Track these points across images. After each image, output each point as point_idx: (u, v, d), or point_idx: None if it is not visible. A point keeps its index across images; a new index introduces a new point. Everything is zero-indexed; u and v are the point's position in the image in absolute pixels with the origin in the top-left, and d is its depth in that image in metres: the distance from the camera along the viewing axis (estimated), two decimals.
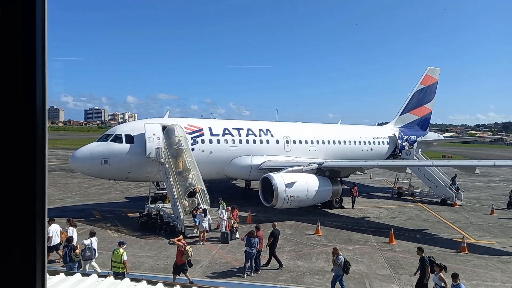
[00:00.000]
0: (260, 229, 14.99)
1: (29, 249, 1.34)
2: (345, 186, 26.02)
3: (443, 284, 10.78)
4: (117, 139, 21.15)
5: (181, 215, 18.11)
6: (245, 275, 13.73)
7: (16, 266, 1.34)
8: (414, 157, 30.15)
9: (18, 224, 1.33)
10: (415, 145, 34.72)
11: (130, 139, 21.24)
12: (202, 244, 16.96)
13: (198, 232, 17.52)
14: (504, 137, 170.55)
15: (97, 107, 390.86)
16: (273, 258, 14.73)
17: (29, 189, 1.33)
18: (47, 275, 6.16)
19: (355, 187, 26.20)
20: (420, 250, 12.52)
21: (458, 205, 26.96)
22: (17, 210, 1.33)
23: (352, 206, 25.47)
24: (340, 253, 12.49)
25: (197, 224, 17.31)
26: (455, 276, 10.47)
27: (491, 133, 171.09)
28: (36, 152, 1.33)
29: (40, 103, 1.33)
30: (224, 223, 17.83)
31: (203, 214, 17.25)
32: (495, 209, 25.25)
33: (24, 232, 1.34)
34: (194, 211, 17.76)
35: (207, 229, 17.45)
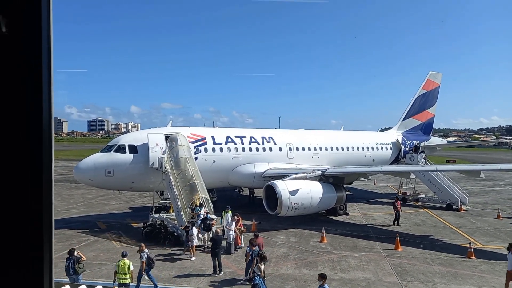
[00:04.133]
0: (259, 236, 15.16)
1: (36, 262, 1.35)
2: (349, 193, 25.87)
3: (258, 272, 11.99)
4: (121, 149, 21.23)
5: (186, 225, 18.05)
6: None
7: (24, 279, 1.34)
8: (419, 162, 30.04)
9: (25, 237, 1.34)
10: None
11: (133, 149, 21.32)
12: (192, 258, 16.33)
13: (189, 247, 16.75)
14: (508, 140, 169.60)
15: (100, 118, 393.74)
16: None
17: (36, 202, 1.34)
18: None
19: (399, 201, 23.17)
20: (251, 243, 14.14)
21: (464, 210, 26.76)
22: (24, 223, 1.34)
23: (397, 223, 22.32)
24: (145, 250, 13.26)
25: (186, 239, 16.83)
26: (322, 277, 10.72)
27: (495, 137, 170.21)
28: (43, 165, 1.35)
29: (46, 115, 1.35)
30: (231, 234, 17.45)
31: (194, 229, 16.70)
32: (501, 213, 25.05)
33: (32, 245, 1.35)
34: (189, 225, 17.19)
35: (197, 243, 16.84)
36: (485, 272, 14.90)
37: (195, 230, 16.74)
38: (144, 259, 13.02)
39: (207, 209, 18.46)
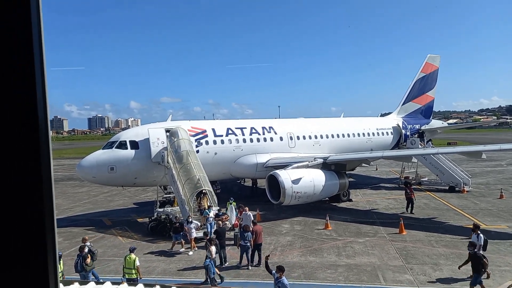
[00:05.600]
0: (256, 224, 15.70)
1: (40, 261, 1.36)
2: (352, 179, 25.92)
3: (209, 255, 12.89)
4: (122, 145, 21.26)
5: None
6: (249, 267, 14.36)
7: (29, 278, 1.36)
8: (420, 146, 30.03)
9: (28, 236, 1.35)
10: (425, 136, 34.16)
11: (134, 144, 21.34)
12: (194, 250, 16.48)
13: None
14: (509, 120, 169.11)
15: (100, 115, 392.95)
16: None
17: (37, 200, 1.35)
18: (61, 285, 6.22)
19: (411, 187, 22.80)
20: (205, 234, 15.17)
21: (467, 191, 26.82)
22: (26, 222, 1.35)
23: (411, 210, 21.66)
24: (87, 242, 13.59)
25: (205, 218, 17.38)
26: (280, 269, 10.32)
27: (495, 117, 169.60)
28: (41, 162, 1.35)
29: (42, 114, 1.34)
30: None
31: (192, 224, 16.75)
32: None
33: (35, 243, 1.36)
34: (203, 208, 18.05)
35: (195, 236, 16.81)
36: (489, 252, 14.93)
37: (193, 224, 16.74)
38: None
39: (215, 211, 18.15)
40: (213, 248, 13.20)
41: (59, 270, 10.36)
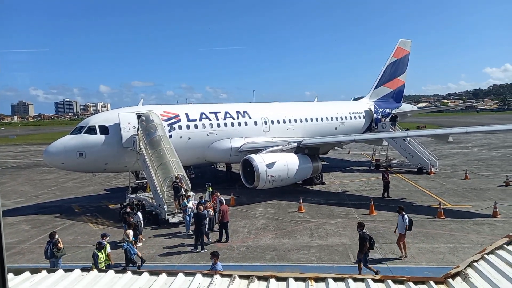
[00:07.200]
0: (223, 203, 16.66)
1: None
2: (325, 163, 26.35)
3: (126, 239, 13.32)
4: (91, 130, 20.62)
5: (164, 203, 17.98)
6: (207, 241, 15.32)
7: None
8: (390, 129, 30.78)
9: None
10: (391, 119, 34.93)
11: (104, 129, 20.74)
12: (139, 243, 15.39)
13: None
14: (475, 104, 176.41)
15: (68, 99, 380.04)
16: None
17: None
18: (29, 273, 6.00)
19: (388, 172, 22.55)
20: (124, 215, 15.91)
21: (434, 173, 27.84)
22: None
23: (387, 194, 21.64)
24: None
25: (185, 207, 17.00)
26: (214, 255, 10.51)
27: (462, 101, 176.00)
28: None
29: None
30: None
31: (139, 214, 16.44)
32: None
33: None
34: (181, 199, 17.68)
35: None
36: (454, 230, 15.71)
37: (139, 215, 16.31)
38: None
39: (194, 201, 17.49)
40: (130, 232, 13.48)
41: (103, 259, 10.25)
